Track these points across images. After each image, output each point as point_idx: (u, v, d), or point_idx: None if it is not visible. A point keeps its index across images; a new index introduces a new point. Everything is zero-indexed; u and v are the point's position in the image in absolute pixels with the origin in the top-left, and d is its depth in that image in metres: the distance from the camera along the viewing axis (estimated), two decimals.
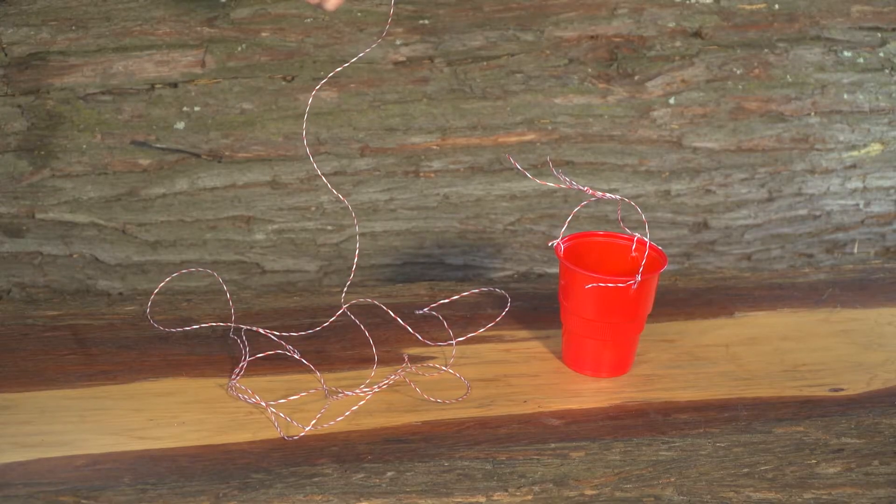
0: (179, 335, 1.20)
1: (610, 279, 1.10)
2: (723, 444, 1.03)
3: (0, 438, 0.99)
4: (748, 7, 1.52)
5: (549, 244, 1.23)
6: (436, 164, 1.48)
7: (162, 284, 1.28)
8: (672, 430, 1.06)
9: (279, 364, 1.14)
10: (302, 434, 1.02)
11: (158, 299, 1.27)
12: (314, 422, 1.03)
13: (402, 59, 1.45)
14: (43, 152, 1.38)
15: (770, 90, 1.54)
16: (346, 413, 1.05)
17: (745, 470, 0.99)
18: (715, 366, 1.19)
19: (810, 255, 1.67)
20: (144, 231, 1.44)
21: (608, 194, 1.15)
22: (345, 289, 1.21)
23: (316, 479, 0.95)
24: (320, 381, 1.11)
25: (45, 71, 1.36)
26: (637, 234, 1.18)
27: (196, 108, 1.40)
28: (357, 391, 1.09)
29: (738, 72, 1.53)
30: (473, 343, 1.21)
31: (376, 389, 1.10)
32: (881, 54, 1.57)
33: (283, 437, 1.01)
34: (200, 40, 1.39)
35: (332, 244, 1.49)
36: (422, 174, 1.48)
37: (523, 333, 1.24)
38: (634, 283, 1.09)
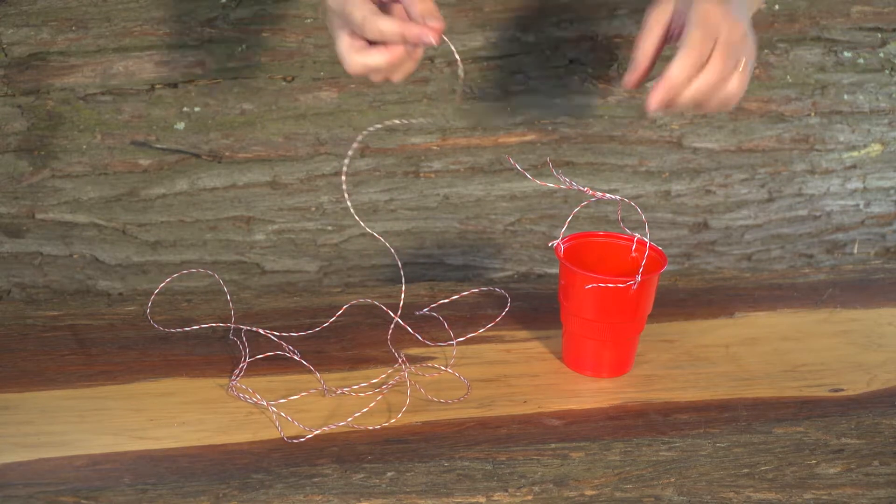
0: (179, 335, 1.20)
1: (610, 279, 1.10)
2: (723, 445, 1.03)
3: (0, 438, 0.99)
4: None
5: (549, 244, 1.23)
6: (436, 165, 1.48)
7: (162, 285, 1.28)
8: (672, 430, 1.06)
9: (279, 364, 1.14)
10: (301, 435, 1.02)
11: (158, 299, 1.27)
12: (312, 426, 1.04)
13: None
14: (43, 152, 1.38)
15: (770, 90, 1.54)
16: (349, 420, 1.05)
17: (745, 470, 0.99)
18: (715, 366, 1.19)
19: (810, 256, 1.67)
20: (144, 231, 1.44)
21: (608, 194, 1.15)
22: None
23: (316, 480, 0.95)
24: (320, 382, 1.11)
25: (45, 71, 1.36)
26: (637, 235, 1.18)
27: (196, 109, 1.40)
28: (354, 388, 1.10)
29: None
30: (473, 343, 1.21)
31: (377, 390, 1.10)
32: (881, 55, 1.56)
33: (284, 439, 1.01)
34: (200, 40, 1.39)
35: (332, 244, 1.49)
36: (422, 174, 1.48)
37: (523, 334, 1.24)
38: (634, 284, 1.09)
